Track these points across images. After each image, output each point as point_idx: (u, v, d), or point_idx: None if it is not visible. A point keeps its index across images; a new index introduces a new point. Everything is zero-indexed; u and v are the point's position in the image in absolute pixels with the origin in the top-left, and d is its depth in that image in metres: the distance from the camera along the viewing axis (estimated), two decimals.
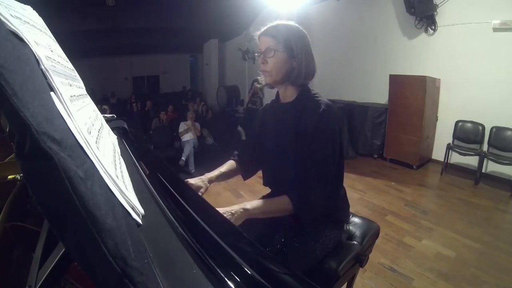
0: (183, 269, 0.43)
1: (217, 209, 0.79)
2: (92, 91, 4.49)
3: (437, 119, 3.89)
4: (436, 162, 3.86)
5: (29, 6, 0.52)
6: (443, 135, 3.79)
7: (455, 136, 3.59)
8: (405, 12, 3.86)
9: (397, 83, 3.91)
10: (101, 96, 7.43)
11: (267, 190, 1.16)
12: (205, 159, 3.98)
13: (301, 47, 0.92)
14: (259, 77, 1.03)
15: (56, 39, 0.56)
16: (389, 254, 1.98)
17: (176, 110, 5.60)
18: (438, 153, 3.82)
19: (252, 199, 0.94)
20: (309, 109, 0.92)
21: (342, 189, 1.06)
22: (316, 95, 0.96)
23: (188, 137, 4.28)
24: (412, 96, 3.68)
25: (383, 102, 4.27)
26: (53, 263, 0.44)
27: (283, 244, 0.97)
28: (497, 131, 3.24)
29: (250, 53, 7.21)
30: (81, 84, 0.63)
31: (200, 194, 0.94)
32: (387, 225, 2.36)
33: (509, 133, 3.16)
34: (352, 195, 2.46)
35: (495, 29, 3.19)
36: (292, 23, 0.95)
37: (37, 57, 0.36)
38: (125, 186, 0.48)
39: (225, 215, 0.79)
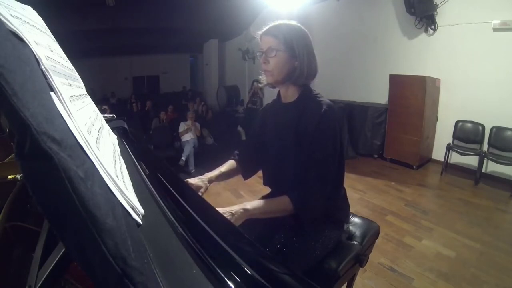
0: (183, 269, 0.43)
1: (217, 209, 0.79)
2: (92, 91, 4.48)
3: (437, 119, 3.89)
4: (436, 162, 3.86)
5: (29, 6, 0.52)
6: (443, 135, 3.79)
7: (455, 136, 3.59)
8: (405, 12, 3.86)
9: (397, 83, 3.91)
10: (101, 96, 7.43)
11: (267, 190, 1.16)
12: (205, 159, 3.98)
13: (303, 46, 0.92)
14: (260, 77, 1.03)
15: (56, 39, 0.56)
16: (389, 254, 1.98)
17: (176, 110, 5.60)
18: (438, 153, 3.82)
19: (252, 199, 0.94)
20: (311, 109, 0.92)
21: (342, 189, 1.06)
22: (318, 95, 0.96)
23: (188, 137, 4.28)
24: (412, 96, 3.68)
25: (383, 102, 4.27)
26: (53, 263, 0.44)
27: (283, 244, 0.97)
28: (497, 131, 3.24)
29: (250, 53, 7.22)
30: (81, 84, 0.63)
31: (200, 194, 0.94)
32: (387, 225, 2.36)
33: (509, 133, 3.15)
34: (352, 195, 2.46)
35: (495, 29, 3.19)
36: (294, 22, 0.95)
37: (37, 57, 0.36)
38: (125, 186, 0.48)
39: (225, 215, 0.79)
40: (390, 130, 4.07)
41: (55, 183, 0.28)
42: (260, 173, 1.14)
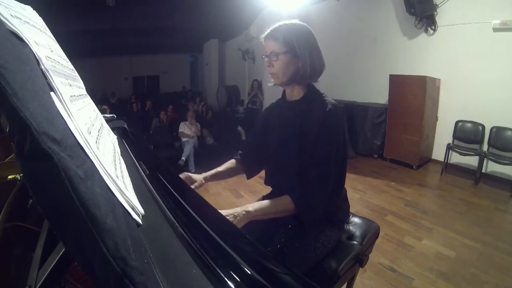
0: (183, 269, 0.43)
1: (219, 211, 0.79)
2: (92, 91, 4.48)
3: (437, 119, 3.89)
4: (436, 162, 3.86)
5: (29, 6, 0.52)
6: (443, 135, 3.79)
7: (455, 136, 3.59)
8: (405, 12, 3.87)
9: (397, 83, 3.91)
10: (101, 96, 7.44)
11: (268, 190, 1.16)
12: (205, 159, 3.98)
13: (304, 46, 0.92)
14: (269, 77, 1.03)
15: (56, 39, 0.56)
16: (389, 254, 1.98)
17: (176, 110, 5.60)
18: (438, 153, 3.82)
19: (252, 199, 0.94)
20: (316, 107, 0.92)
21: (343, 189, 1.06)
22: (323, 95, 0.96)
23: (188, 137, 4.28)
24: (412, 96, 3.68)
25: (383, 102, 4.27)
26: (53, 263, 0.44)
27: (283, 244, 0.97)
28: (497, 131, 3.24)
29: (250, 53, 7.22)
30: (81, 84, 0.63)
31: (193, 188, 0.96)
32: (387, 225, 2.36)
33: (509, 133, 3.16)
34: (352, 195, 2.46)
35: (495, 29, 3.19)
36: (295, 21, 0.95)
37: (37, 57, 0.36)
38: (125, 186, 0.48)
39: (227, 217, 0.79)
40: (390, 130, 4.07)
41: (55, 183, 0.28)
42: (260, 173, 1.14)
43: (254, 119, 5.10)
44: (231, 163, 1.13)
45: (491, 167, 3.32)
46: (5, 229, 0.71)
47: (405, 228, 2.33)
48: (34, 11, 0.53)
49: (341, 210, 1.09)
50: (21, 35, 0.34)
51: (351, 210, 1.17)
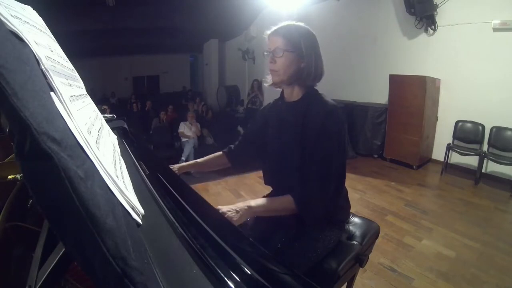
0: (183, 269, 0.43)
1: (221, 206, 0.80)
2: (92, 91, 4.48)
3: (437, 119, 3.89)
4: (436, 162, 3.86)
5: (29, 6, 0.52)
6: (443, 135, 3.79)
7: (455, 136, 3.59)
8: (405, 12, 3.87)
9: (397, 83, 3.91)
10: (101, 96, 7.43)
11: (267, 190, 1.16)
12: None
13: (311, 48, 0.92)
14: (267, 76, 1.03)
15: (56, 39, 0.56)
16: (389, 254, 1.98)
17: (176, 110, 5.60)
18: (438, 153, 3.82)
19: (253, 199, 0.95)
20: (315, 108, 0.92)
21: (343, 189, 1.06)
22: (322, 95, 0.97)
23: (188, 137, 4.28)
24: (412, 96, 3.68)
25: (383, 102, 4.27)
26: (53, 263, 0.44)
27: (284, 244, 0.97)
28: (497, 131, 3.24)
29: (250, 53, 7.22)
30: (81, 84, 0.63)
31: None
32: (387, 225, 2.36)
33: (509, 133, 3.15)
34: (352, 195, 2.46)
35: (495, 29, 3.19)
36: (302, 24, 0.95)
37: (37, 57, 0.36)
38: (125, 186, 0.48)
39: (229, 212, 0.80)
40: (390, 130, 4.07)
41: (55, 183, 0.28)
42: (260, 173, 1.14)
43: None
44: (215, 155, 1.19)
45: (491, 167, 3.32)
46: (5, 229, 0.71)
47: (405, 228, 2.33)
48: (34, 11, 0.53)
49: (342, 210, 1.09)
50: (21, 35, 0.34)
51: (351, 210, 1.16)
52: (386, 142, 4.15)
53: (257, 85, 6.40)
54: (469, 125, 3.48)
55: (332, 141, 0.89)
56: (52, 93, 0.36)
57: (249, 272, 0.43)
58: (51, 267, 0.44)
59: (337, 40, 4.94)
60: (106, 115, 1.24)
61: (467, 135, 3.48)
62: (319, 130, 0.88)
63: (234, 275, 0.42)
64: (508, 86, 3.16)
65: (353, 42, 4.86)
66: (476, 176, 3.25)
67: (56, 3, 4.04)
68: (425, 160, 3.92)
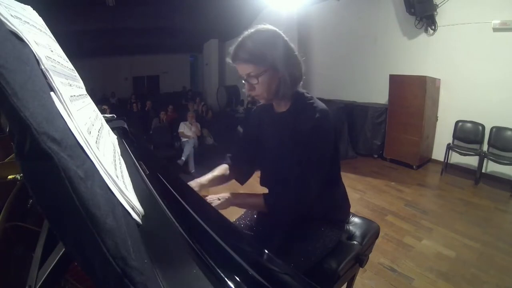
0: (183, 269, 0.43)
1: (207, 196, 0.86)
2: (92, 91, 4.48)
3: (437, 119, 3.89)
4: (436, 162, 3.86)
5: (29, 6, 0.52)
6: (443, 135, 3.79)
7: (455, 136, 3.59)
8: (405, 12, 3.87)
9: (397, 83, 3.91)
10: (101, 96, 7.42)
11: (266, 190, 1.16)
12: (205, 159, 3.98)
13: (279, 55, 0.85)
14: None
15: (56, 39, 0.56)
16: (389, 254, 1.98)
17: (176, 110, 5.60)
18: (438, 153, 3.82)
19: (236, 191, 0.98)
20: (304, 115, 0.89)
21: (340, 189, 1.06)
22: (311, 100, 0.92)
23: (188, 137, 4.28)
24: (412, 96, 3.68)
25: (383, 102, 4.27)
26: (53, 263, 0.44)
27: (283, 244, 0.97)
28: (497, 131, 3.24)
29: None
30: (81, 84, 0.63)
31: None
32: (387, 225, 2.36)
33: (509, 133, 3.16)
34: (352, 195, 2.46)
35: (495, 29, 3.19)
36: (261, 28, 0.87)
37: (37, 57, 0.36)
38: (125, 186, 0.48)
39: (211, 198, 0.89)
40: (390, 130, 4.07)
41: (55, 183, 0.28)
42: (259, 173, 1.14)
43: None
44: (223, 168, 1.09)
45: (491, 167, 3.32)
46: (5, 229, 0.71)
47: (405, 228, 2.33)
48: (34, 11, 0.53)
49: (342, 210, 1.09)
50: (21, 35, 0.34)
51: (351, 210, 1.17)
52: (386, 142, 4.15)
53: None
54: (469, 125, 3.48)
55: (321, 146, 0.88)
56: (52, 93, 0.36)
57: (249, 272, 0.43)
58: (51, 267, 0.44)
59: (337, 40, 4.94)
60: (106, 115, 1.23)
61: (467, 135, 3.48)
62: (306, 140, 0.87)
63: (234, 275, 0.42)
64: (508, 86, 3.16)
65: (353, 42, 4.86)
66: (476, 176, 3.25)
67: (56, 3, 4.04)
68: (425, 160, 3.92)
